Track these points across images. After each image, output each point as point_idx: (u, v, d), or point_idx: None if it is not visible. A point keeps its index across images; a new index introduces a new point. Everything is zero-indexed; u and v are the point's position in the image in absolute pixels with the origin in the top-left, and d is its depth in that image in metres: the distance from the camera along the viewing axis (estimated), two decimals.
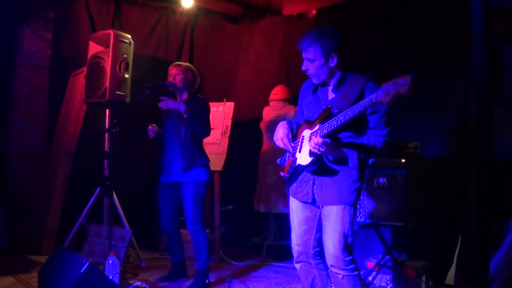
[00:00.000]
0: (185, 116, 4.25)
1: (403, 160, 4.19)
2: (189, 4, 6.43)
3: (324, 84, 3.03)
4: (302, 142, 2.97)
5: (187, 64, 4.61)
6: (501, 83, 4.01)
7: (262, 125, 5.86)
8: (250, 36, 6.66)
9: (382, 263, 4.23)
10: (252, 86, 6.52)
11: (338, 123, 2.70)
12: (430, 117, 4.59)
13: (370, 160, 4.19)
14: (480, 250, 3.67)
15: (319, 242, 3.10)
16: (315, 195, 2.99)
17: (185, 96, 4.51)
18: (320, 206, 3.00)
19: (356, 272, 2.92)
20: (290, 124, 3.11)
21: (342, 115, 2.68)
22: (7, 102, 5.97)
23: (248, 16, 6.78)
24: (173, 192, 4.46)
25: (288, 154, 3.10)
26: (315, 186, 2.99)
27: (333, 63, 2.90)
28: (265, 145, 5.81)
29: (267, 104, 5.93)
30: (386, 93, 2.44)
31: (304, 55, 2.94)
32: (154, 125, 4.42)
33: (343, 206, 2.90)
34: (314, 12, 6.19)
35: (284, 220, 5.75)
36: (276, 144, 3.07)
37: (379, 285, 4.20)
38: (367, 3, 5.33)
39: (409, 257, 4.41)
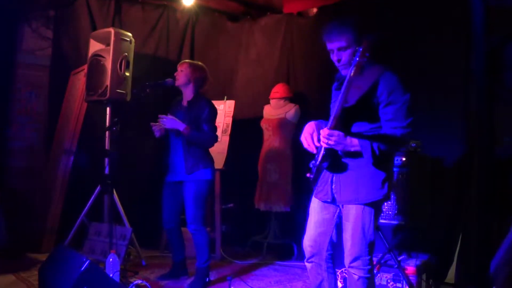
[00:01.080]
0: (186, 133, 4.26)
1: (404, 159, 4.19)
2: (189, 2, 6.43)
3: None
4: None
5: (192, 61, 4.59)
6: (502, 82, 4.01)
7: (263, 123, 5.86)
8: (250, 34, 6.65)
9: (382, 261, 4.23)
10: (253, 84, 6.52)
11: (335, 112, 2.69)
12: (431, 115, 4.59)
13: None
14: (481, 249, 3.67)
15: (333, 246, 3.08)
16: (335, 194, 2.96)
17: (189, 93, 4.49)
18: (341, 206, 2.98)
19: (370, 275, 2.89)
20: (318, 124, 3.02)
21: (338, 101, 2.67)
22: (7, 100, 5.98)
23: (248, 14, 6.78)
24: (176, 190, 4.47)
25: (316, 155, 3.07)
26: (334, 184, 2.96)
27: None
28: (266, 143, 5.80)
29: (268, 102, 5.92)
30: (355, 65, 2.56)
31: (333, 45, 2.86)
32: (157, 124, 4.41)
33: (362, 206, 2.86)
34: (315, 10, 6.19)
35: (284, 219, 5.76)
36: (302, 144, 3.03)
37: (380, 284, 4.20)
38: (367, 2, 5.32)
39: (409, 256, 4.41)
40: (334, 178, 2.96)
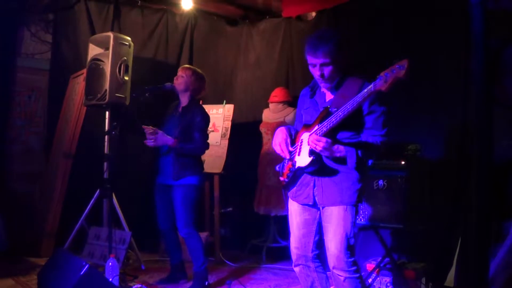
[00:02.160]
0: (174, 146, 4.27)
1: (403, 162, 4.19)
2: (188, 6, 6.44)
3: (321, 88, 3.06)
4: (301, 145, 2.98)
5: (196, 70, 4.58)
6: (502, 86, 4.01)
7: (262, 127, 5.86)
8: (249, 38, 6.66)
9: (382, 265, 4.23)
10: (252, 88, 6.53)
11: (337, 119, 2.74)
12: (430, 118, 4.59)
13: (370, 162, 4.21)
14: (480, 252, 3.66)
15: (318, 245, 3.10)
16: (316, 197, 3.00)
17: (185, 99, 4.50)
18: (321, 208, 3.00)
19: (358, 274, 2.92)
20: (289, 130, 3.13)
21: (341, 110, 2.72)
22: (7, 104, 6.00)
23: (247, 18, 6.79)
24: (167, 193, 4.46)
25: (286, 159, 3.10)
26: (315, 188, 3.00)
27: (343, 63, 2.93)
28: (265, 147, 5.80)
29: (266, 106, 5.93)
30: (385, 81, 2.52)
31: (317, 60, 2.89)
32: (149, 127, 4.36)
33: (345, 206, 2.91)
34: (313, 14, 6.20)
35: (284, 222, 5.73)
36: (274, 150, 3.08)
37: (379, 287, 4.20)
38: (366, 5, 5.33)
39: (409, 259, 4.41)
40: (316, 181, 3.00)
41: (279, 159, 4.76)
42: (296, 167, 3.00)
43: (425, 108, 4.64)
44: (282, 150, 3.03)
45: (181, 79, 4.46)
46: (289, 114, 5.69)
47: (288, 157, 3.05)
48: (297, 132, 3.12)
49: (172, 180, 4.37)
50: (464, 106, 4.32)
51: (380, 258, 4.25)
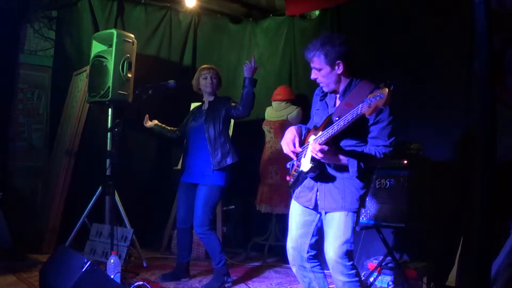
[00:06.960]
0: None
1: (405, 161, 4.18)
2: (192, 4, 6.43)
3: (334, 91, 3.03)
4: (307, 148, 2.96)
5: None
6: (505, 85, 4.00)
7: (265, 126, 5.86)
8: (253, 36, 6.66)
9: (383, 264, 4.23)
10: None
11: (333, 132, 2.72)
12: (433, 118, 4.58)
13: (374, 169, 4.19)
14: (482, 251, 3.66)
15: (314, 247, 3.10)
16: (318, 201, 2.99)
17: (209, 98, 4.67)
18: (323, 213, 2.99)
19: (357, 278, 2.90)
20: (300, 129, 3.11)
21: (336, 124, 2.70)
22: (10, 101, 6.02)
23: (250, 17, 6.79)
24: (191, 192, 4.52)
25: (295, 159, 3.10)
26: (318, 192, 2.99)
27: (339, 70, 2.91)
28: (268, 145, 5.80)
29: (269, 104, 5.92)
30: (368, 105, 2.48)
31: (311, 64, 2.97)
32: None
33: (346, 212, 2.89)
34: (317, 13, 6.19)
35: (285, 221, 5.74)
36: (283, 149, 3.06)
37: (381, 286, 4.21)
38: (369, 4, 5.33)
39: (410, 258, 4.41)
40: (319, 186, 2.99)
41: (281, 157, 4.76)
42: (300, 169, 2.99)
43: (428, 107, 4.63)
44: (291, 151, 3.00)
45: (214, 80, 4.64)
46: (292, 112, 5.68)
47: (295, 158, 3.04)
48: (308, 131, 3.10)
49: (198, 177, 4.44)
50: (467, 105, 4.31)
51: (382, 257, 4.25)
